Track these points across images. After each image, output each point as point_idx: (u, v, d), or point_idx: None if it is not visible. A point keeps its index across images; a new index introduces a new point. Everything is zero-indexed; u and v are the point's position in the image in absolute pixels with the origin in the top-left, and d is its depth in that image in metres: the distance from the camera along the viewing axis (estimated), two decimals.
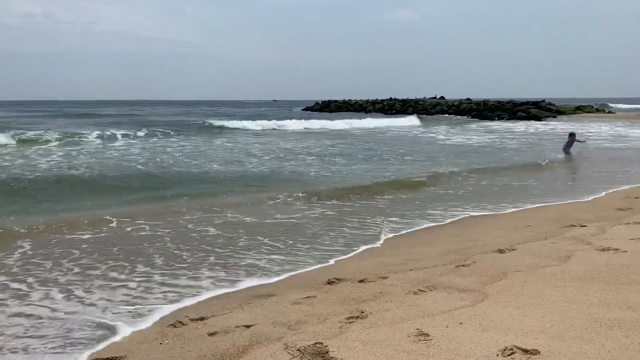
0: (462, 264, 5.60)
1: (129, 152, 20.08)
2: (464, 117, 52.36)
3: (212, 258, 6.67)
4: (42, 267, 6.28)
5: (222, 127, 34.34)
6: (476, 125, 41.12)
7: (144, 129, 29.30)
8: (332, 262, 6.52)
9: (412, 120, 44.75)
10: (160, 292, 5.44)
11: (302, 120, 40.18)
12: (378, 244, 7.40)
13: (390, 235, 7.91)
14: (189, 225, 8.43)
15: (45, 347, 4.15)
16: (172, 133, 29.07)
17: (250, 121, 37.81)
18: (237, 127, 34.99)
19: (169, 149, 21.35)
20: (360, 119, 43.80)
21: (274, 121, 38.43)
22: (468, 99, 62.05)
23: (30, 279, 5.83)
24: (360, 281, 5.29)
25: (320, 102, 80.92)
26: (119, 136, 26.54)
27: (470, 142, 26.01)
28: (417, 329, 3.73)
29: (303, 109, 78.43)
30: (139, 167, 15.73)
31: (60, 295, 5.35)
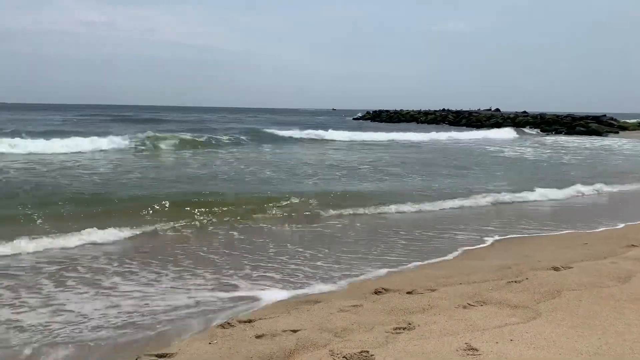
0: (514, 279, 5.46)
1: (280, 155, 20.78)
2: (521, 129, 50.95)
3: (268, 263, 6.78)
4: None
5: (291, 138, 30.79)
6: (536, 139, 39.53)
7: (240, 136, 28.57)
8: (381, 272, 6.49)
9: (510, 133, 42.13)
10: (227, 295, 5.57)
11: (393, 133, 36.41)
12: (451, 256, 7.30)
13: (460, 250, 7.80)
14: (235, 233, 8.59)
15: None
16: (247, 141, 27.24)
17: (334, 131, 34.70)
18: (325, 137, 31.66)
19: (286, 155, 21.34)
20: (443, 131, 40.47)
21: (366, 133, 35.52)
22: (524, 111, 60.42)
23: None
24: (408, 292, 5.24)
25: (371, 112, 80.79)
26: (226, 140, 25.95)
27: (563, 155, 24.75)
28: (466, 343, 3.66)
29: (354, 118, 78.44)
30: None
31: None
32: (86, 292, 5.61)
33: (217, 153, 21.48)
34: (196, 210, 9.41)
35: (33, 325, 4.70)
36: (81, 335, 4.53)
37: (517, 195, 12.23)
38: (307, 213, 9.86)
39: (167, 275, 6.21)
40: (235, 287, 5.81)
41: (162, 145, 22.85)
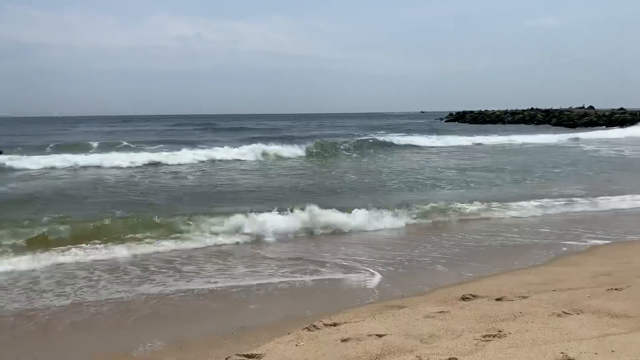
0: (614, 287, 5.12)
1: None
2: (615, 128, 47.59)
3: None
4: None
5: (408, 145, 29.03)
6: None
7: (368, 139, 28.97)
8: (469, 277, 6.32)
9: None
10: None
11: (515, 135, 33.88)
12: (543, 262, 7.01)
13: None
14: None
15: None
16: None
17: (448, 136, 33.14)
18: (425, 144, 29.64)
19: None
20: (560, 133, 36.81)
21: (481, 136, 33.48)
22: (621, 108, 56.36)
23: None
24: (498, 299, 5.05)
25: (454, 113, 78.87)
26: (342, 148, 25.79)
27: None
28: (562, 353, 3.47)
29: (437, 119, 76.95)
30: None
31: None
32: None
33: (369, 158, 22.33)
34: None
35: None
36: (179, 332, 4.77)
37: (619, 198, 11.46)
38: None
39: None
40: (317, 272, 5.89)
41: (324, 152, 23.86)
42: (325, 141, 26.85)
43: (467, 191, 12.85)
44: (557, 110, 62.12)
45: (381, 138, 30.88)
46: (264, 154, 22.26)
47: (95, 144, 27.55)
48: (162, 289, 6.10)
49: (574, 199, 11.42)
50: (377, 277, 6.42)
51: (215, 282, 6.32)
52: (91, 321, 5.22)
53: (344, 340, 4.11)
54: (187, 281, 6.37)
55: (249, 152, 22.21)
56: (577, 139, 33.01)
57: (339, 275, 6.53)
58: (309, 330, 4.50)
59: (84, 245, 7.69)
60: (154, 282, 6.35)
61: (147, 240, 8.03)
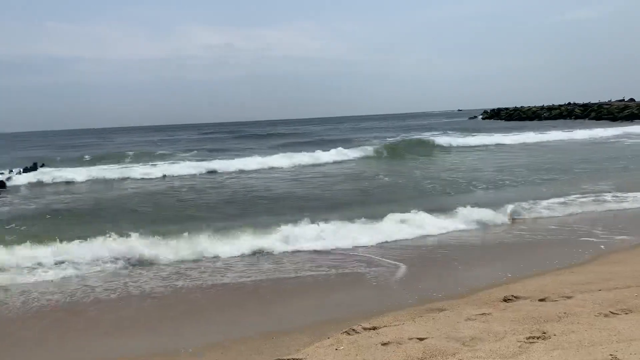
0: None
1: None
2: None
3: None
4: None
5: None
6: None
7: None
8: (510, 278, 6.20)
9: None
10: None
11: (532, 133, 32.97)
12: (586, 261, 6.84)
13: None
14: None
15: None
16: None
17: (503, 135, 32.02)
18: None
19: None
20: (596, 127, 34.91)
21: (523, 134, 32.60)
22: None
23: None
24: (541, 300, 4.94)
25: (489, 111, 77.62)
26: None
27: None
28: (611, 354, 3.36)
29: (470, 118, 75.80)
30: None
31: None
32: None
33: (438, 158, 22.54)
34: None
35: None
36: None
37: None
38: None
39: None
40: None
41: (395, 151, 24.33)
42: (393, 143, 27.48)
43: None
44: (595, 104, 60.42)
45: (441, 139, 30.19)
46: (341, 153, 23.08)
47: (130, 153, 28.28)
48: None
49: (619, 194, 11.07)
50: (402, 269, 6.43)
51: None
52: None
53: (384, 344, 4.09)
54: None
55: (324, 155, 22.75)
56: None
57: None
58: (348, 334, 4.49)
59: None
60: None
61: None
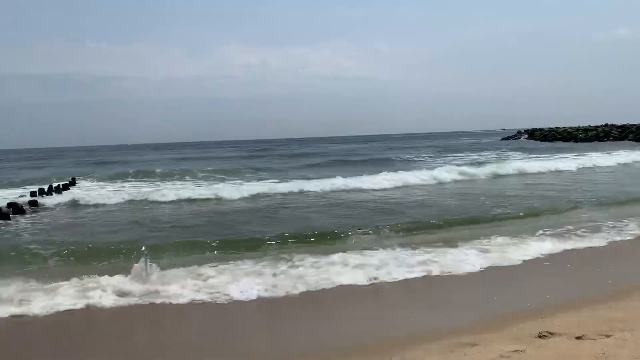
0: None
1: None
2: None
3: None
4: None
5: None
6: None
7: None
8: (545, 311, 6.01)
9: None
10: None
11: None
12: (626, 296, 6.60)
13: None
14: None
15: None
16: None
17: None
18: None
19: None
20: None
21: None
22: None
23: None
24: (578, 337, 4.77)
25: (523, 131, 76.52)
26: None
27: None
28: None
29: (503, 139, 74.72)
30: None
31: None
32: None
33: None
34: None
35: None
36: None
37: None
38: None
39: None
40: None
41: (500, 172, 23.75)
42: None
43: None
44: (633, 125, 58.90)
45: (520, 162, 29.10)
46: (462, 173, 22.82)
47: (158, 170, 28.73)
48: None
49: None
50: None
51: None
52: None
53: None
54: None
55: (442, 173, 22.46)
56: None
57: None
58: None
59: None
60: None
61: None
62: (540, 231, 10.13)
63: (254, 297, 6.86)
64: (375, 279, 7.50)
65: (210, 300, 6.82)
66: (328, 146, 77.61)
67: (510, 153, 40.01)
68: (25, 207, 15.93)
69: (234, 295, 6.89)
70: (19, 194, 18.53)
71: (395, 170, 24.26)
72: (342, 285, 7.28)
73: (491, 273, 7.77)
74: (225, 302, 6.73)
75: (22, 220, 13.93)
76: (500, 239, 9.56)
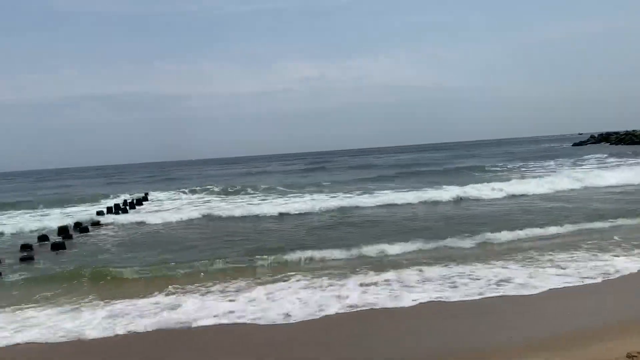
0: None
1: None
2: None
3: None
4: None
5: None
6: None
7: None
8: (630, 328, 5.74)
9: None
10: None
11: None
12: None
13: None
14: None
15: None
16: None
17: None
18: None
19: None
20: None
21: None
22: None
23: None
24: None
25: (596, 135, 73.01)
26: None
27: None
28: None
29: (574, 145, 71.49)
30: None
31: None
32: None
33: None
34: None
35: None
36: None
37: None
38: None
39: None
40: None
41: None
42: None
43: None
44: None
45: None
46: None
47: (217, 188, 28.48)
48: None
49: None
50: None
51: None
52: None
53: None
54: None
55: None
56: None
57: None
58: None
59: None
60: None
61: None
62: None
63: None
64: None
65: None
66: (394, 156, 76.29)
67: (600, 156, 37.85)
68: (94, 223, 16.99)
69: None
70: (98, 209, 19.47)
71: (505, 180, 23.41)
72: None
73: None
74: None
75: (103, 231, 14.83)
76: None
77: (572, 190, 20.06)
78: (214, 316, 6.92)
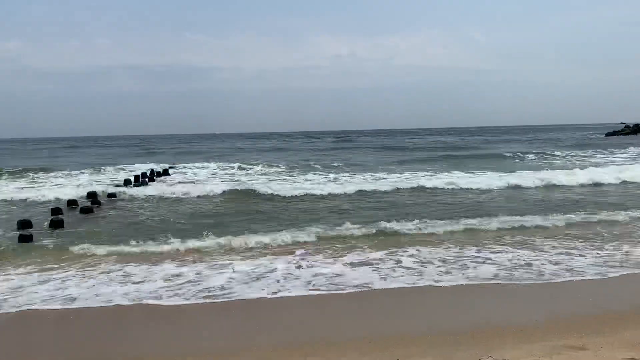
0: None
1: None
2: None
3: None
4: None
5: None
6: None
7: None
8: None
9: None
10: None
11: None
12: None
13: None
14: None
15: None
16: None
17: None
18: None
19: None
20: None
21: None
22: None
23: None
24: None
25: (632, 125, 70.66)
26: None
27: None
28: None
29: (607, 134, 69.19)
30: None
31: None
32: None
33: None
34: None
35: None
36: None
37: None
38: None
39: None
40: None
41: None
42: None
43: None
44: None
45: None
46: None
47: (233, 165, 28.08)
48: None
49: None
50: None
51: None
52: None
53: None
54: None
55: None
56: None
57: None
58: None
59: None
60: None
61: None
62: None
63: None
64: None
65: None
66: (436, 137, 74.96)
67: None
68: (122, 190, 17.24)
69: None
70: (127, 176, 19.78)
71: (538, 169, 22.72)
72: None
73: None
74: None
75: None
76: None
77: None
78: None
